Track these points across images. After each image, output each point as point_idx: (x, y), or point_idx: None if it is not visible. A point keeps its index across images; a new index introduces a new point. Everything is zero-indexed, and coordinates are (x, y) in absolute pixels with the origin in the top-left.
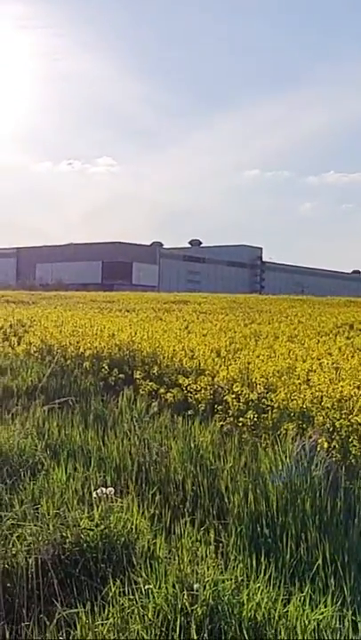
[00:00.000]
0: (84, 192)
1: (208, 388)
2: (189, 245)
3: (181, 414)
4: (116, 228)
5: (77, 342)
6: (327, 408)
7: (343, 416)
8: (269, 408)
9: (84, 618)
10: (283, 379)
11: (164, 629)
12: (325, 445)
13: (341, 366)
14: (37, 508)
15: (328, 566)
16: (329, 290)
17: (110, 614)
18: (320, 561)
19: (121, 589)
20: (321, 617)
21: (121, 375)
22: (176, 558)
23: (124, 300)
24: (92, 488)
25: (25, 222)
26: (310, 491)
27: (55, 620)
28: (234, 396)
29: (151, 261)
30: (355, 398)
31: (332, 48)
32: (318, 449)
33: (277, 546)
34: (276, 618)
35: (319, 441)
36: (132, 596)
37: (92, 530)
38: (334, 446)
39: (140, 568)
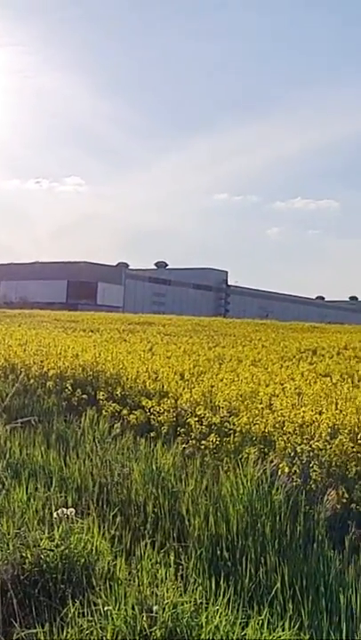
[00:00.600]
0: (51, 211)
1: (171, 410)
2: (155, 267)
3: (144, 436)
4: (83, 248)
5: (41, 362)
6: (289, 433)
7: (304, 441)
8: (232, 432)
9: (42, 638)
10: (246, 403)
11: None
12: (286, 470)
13: (304, 392)
14: None
15: (287, 590)
16: (293, 315)
17: (69, 635)
18: (279, 585)
19: (80, 610)
20: None
21: (84, 395)
22: (136, 580)
23: (89, 320)
24: (53, 508)
25: None
26: (271, 515)
27: None
28: (197, 419)
29: (117, 282)
30: (316, 424)
31: (303, 74)
32: (279, 473)
33: (237, 569)
34: None
35: (280, 466)
36: (91, 618)
37: (52, 550)
38: (295, 471)
39: (100, 589)
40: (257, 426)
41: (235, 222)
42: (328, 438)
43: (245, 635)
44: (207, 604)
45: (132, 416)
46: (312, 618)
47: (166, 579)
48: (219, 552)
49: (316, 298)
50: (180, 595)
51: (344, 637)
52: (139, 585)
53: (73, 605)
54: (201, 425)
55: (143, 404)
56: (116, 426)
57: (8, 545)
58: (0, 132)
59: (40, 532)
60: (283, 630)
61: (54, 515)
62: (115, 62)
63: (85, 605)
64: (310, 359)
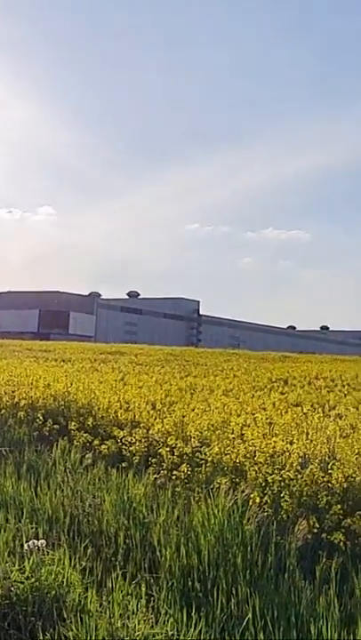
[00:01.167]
0: (24, 240)
1: (143, 440)
2: (127, 296)
3: (116, 466)
4: (55, 277)
5: (12, 392)
6: (260, 463)
7: (275, 471)
8: (203, 462)
9: None
10: (217, 433)
11: None
12: (257, 500)
13: (275, 421)
14: None
15: (258, 621)
16: (265, 344)
17: None
18: (250, 615)
19: None
20: None
21: (55, 426)
22: (107, 612)
23: (61, 350)
24: (24, 540)
25: None
26: (242, 545)
27: None
28: (168, 449)
29: (89, 311)
30: (287, 454)
31: (271, 107)
32: (250, 503)
33: (208, 600)
34: None
35: (251, 496)
36: None
37: (23, 583)
38: (266, 501)
39: (71, 622)
40: (228, 456)
41: (206, 252)
42: (299, 468)
43: None
44: (178, 635)
45: (103, 446)
46: None
47: (138, 610)
48: (190, 583)
49: (288, 327)
50: (152, 627)
51: None
52: (110, 617)
53: (43, 638)
54: (172, 455)
55: (115, 434)
56: (87, 456)
57: None
58: None
59: (10, 563)
60: None
61: (25, 546)
62: (84, 94)
63: (56, 638)
64: (282, 389)
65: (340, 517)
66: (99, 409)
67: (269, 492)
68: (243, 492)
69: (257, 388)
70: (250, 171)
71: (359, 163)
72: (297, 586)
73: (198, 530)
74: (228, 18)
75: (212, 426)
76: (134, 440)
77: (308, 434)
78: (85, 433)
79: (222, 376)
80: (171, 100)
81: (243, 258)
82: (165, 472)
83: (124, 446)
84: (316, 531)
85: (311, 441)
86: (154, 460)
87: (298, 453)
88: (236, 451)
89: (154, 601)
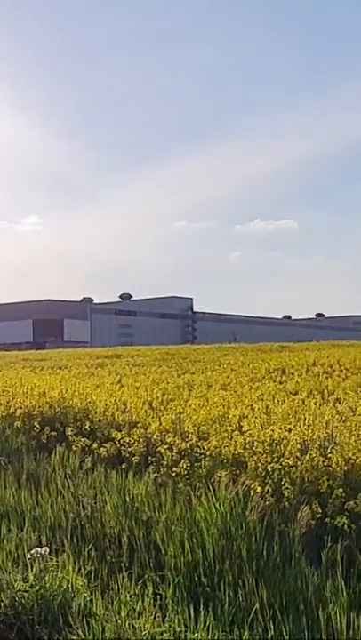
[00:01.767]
0: (12, 251)
1: (141, 440)
2: (120, 299)
3: (115, 468)
4: (47, 285)
5: (8, 402)
6: (259, 453)
7: (275, 460)
8: (202, 456)
9: None
10: (215, 426)
11: None
12: (258, 490)
13: (272, 410)
14: None
15: (266, 611)
16: (261, 336)
17: None
18: (258, 606)
19: None
20: None
21: (53, 433)
22: (114, 614)
23: (57, 358)
24: (27, 549)
25: None
26: (246, 536)
27: None
28: (167, 446)
29: (82, 317)
30: (285, 441)
31: (253, 100)
32: (252, 494)
33: (215, 594)
34: None
35: (252, 486)
36: None
37: (27, 591)
38: (268, 490)
39: (77, 627)
40: (227, 448)
41: (196, 249)
42: (298, 455)
43: None
44: (187, 631)
45: (102, 449)
46: (294, 637)
47: (145, 610)
48: (196, 578)
49: (283, 317)
50: (159, 625)
51: None
52: (116, 619)
53: None
54: (171, 452)
55: (113, 436)
56: (86, 460)
57: None
58: None
59: (14, 573)
60: None
61: (28, 555)
62: (65, 100)
63: None
64: (280, 378)
65: (343, 501)
66: (96, 412)
67: (270, 481)
68: (243, 483)
69: (255, 380)
70: (234, 164)
71: (342, 149)
72: (303, 573)
73: (201, 524)
74: (212, 15)
75: (210, 420)
76: (132, 440)
77: (306, 420)
78: (83, 437)
79: (219, 371)
80: (154, 98)
81: (232, 252)
82: (165, 470)
83: (122, 447)
84: (319, 516)
85: (309, 426)
86: (153, 458)
87: (296, 440)
88: (234, 442)
89: (161, 599)
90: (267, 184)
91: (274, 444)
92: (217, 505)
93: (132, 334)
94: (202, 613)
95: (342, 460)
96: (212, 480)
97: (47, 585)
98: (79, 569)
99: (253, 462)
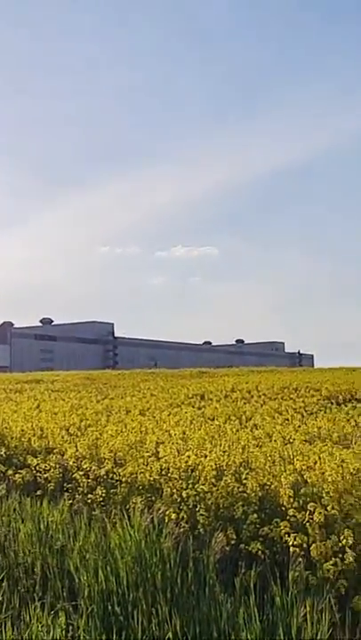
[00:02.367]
0: None
1: (57, 466)
2: (41, 324)
3: (30, 495)
4: None
5: None
6: (174, 479)
7: (190, 486)
8: (118, 483)
9: None
10: (131, 452)
11: None
12: (173, 516)
13: (189, 436)
14: None
15: None
16: (182, 362)
17: None
18: (171, 635)
19: None
20: None
21: None
22: None
23: None
24: None
25: None
26: (160, 563)
27: None
28: (83, 472)
29: (2, 342)
30: (201, 467)
31: (174, 127)
32: (167, 521)
33: (129, 623)
34: None
35: (167, 512)
36: None
37: None
38: (182, 517)
39: None
40: (143, 474)
41: (119, 274)
42: (214, 481)
43: None
44: None
45: (17, 476)
46: None
47: None
48: (110, 607)
49: (204, 343)
50: None
51: None
52: None
53: None
54: (87, 479)
55: (29, 462)
56: (1, 487)
57: None
58: None
59: None
60: None
61: None
62: None
63: None
64: (198, 404)
65: (258, 526)
66: (12, 438)
67: (185, 508)
68: (159, 509)
69: (174, 405)
70: (157, 190)
71: (261, 177)
72: (217, 600)
73: (116, 552)
74: (134, 39)
75: (128, 446)
76: (48, 467)
77: (222, 445)
78: None
79: (139, 396)
80: (75, 123)
81: (155, 277)
82: (81, 496)
83: (38, 474)
84: (233, 542)
85: (225, 452)
86: (69, 485)
87: (212, 466)
88: (150, 469)
89: (73, 629)
90: (189, 210)
91: (189, 470)
92: (132, 532)
93: (53, 359)
94: None
95: (257, 486)
96: (127, 507)
97: None
98: None
99: (169, 488)
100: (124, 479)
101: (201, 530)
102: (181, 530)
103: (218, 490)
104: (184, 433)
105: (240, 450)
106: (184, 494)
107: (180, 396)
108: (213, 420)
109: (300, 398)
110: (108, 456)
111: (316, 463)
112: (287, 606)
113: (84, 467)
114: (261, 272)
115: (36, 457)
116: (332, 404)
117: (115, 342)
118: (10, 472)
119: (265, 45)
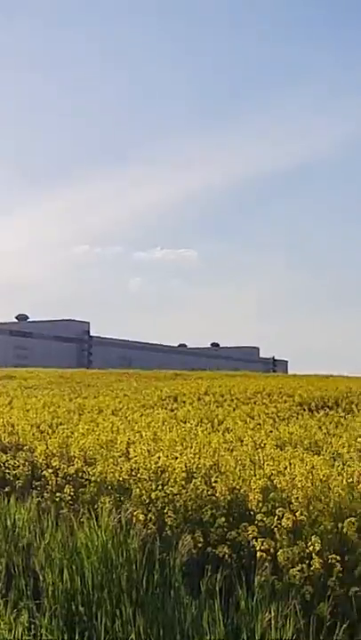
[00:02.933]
0: None
1: (26, 463)
2: (16, 320)
3: None
4: None
5: None
6: (144, 480)
7: (159, 487)
8: (87, 482)
9: None
10: (102, 452)
11: None
12: (141, 518)
13: (160, 437)
14: None
15: None
16: (157, 363)
17: None
18: (134, 636)
19: None
20: None
21: None
22: None
23: None
24: None
25: None
26: (126, 564)
27: None
28: (52, 470)
29: None
30: (171, 469)
31: (158, 128)
32: (134, 521)
33: (92, 624)
34: None
35: (135, 513)
36: None
37: None
38: (150, 518)
39: None
40: (112, 474)
41: (97, 273)
42: (183, 483)
43: None
44: None
45: None
46: None
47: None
48: (74, 607)
49: (179, 345)
50: None
51: None
52: None
53: None
54: (56, 477)
55: None
56: None
57: None
58: None
59: None
60: None
61: None
62: None
63: None
64: (171, 406)
65: (225, 530)
66: None
67: (153, 509)
68: (127, 510)
69: (146, 407)
70: (137, 191)
71: (244, 178)
72: (182, 602)
73: (82, 552)
74: (121, 39)
75: (98, 445)
76: (17, 464)
77: (192, 448)
78: None
79: (112, 396)
80: (54, 120)
81: (133, 277)
82: (49, 494)
83: (7, 470)
84: (200, 545)
85: (195, 454)
86: (38, 482)
87: (181, 468)
88: (119, 469)
89: (36, 628)
90: (169, 211)
91: (159, 472)
92: (99, 532)
93: (27, 356)
94: None
95: (226, 490)
96: (95, 506)
97: None
98: None
99: (138, 489)
100: (93, 478)
101: (169, 532)
102: (149, 531)
103: (187, 492)
104: (155, 434)
105: (211, 453)
106: (153, 495)
107: (153, 397)
108: (185, 422)
109: (272, 403)
110: (79, 455)
111: (286, 468)
112: (252, 611)
113: (54, 464)
114: (240, 277)
115: (6, 453)
116: (304, 410)
117: (90, 341)
118: None
119: (252, 46)
